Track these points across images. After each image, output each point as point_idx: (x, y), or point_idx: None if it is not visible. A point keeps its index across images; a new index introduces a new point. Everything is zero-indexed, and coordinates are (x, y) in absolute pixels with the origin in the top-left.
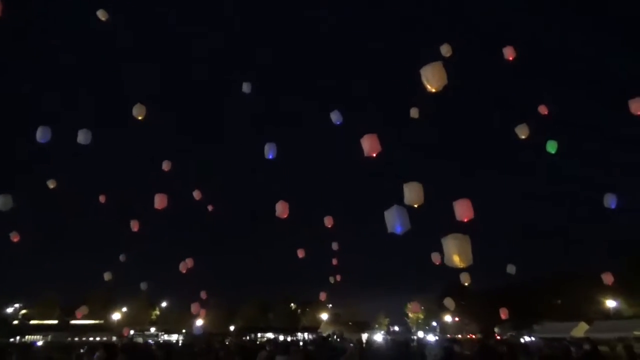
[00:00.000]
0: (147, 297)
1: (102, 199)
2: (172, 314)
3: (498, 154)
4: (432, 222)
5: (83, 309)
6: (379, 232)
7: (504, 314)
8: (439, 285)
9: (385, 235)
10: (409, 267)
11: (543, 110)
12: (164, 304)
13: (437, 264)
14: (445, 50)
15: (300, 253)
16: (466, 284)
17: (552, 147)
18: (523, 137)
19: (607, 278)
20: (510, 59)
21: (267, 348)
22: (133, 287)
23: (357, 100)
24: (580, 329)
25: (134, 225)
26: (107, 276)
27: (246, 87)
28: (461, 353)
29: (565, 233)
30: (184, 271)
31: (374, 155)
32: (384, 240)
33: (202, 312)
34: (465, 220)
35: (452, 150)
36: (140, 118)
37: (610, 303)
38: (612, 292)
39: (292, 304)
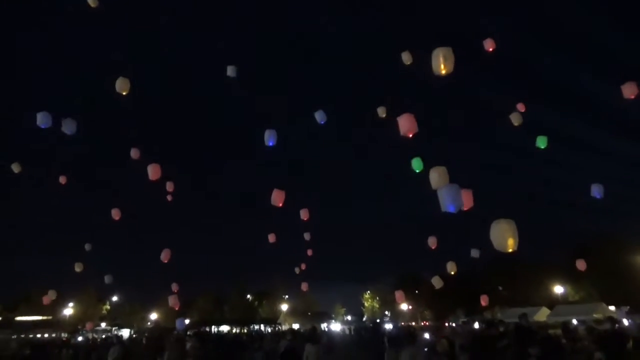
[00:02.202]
0: (97, 292)
1: (62, 180)
2: (124, 309)
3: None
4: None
5: (52, 294)
6: (336, 221)
7: (484, 300)
8: (391, 276)
9: (343, 225)
10: (364, 258)
11: (521, 107)
12: (114, 299)
13: (433, 248)
14: (406, 58)
15: (272, 238)
16: (452, 273)
17: (542, 142)
18: (516, 124)
19: (580, 264)
20: (490, 50)
21: (288, 338)
22: (83, 281)
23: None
24: (543, 314)
25: (115, 214)
26: (77, 267)
27: (231, 71)
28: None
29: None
30: (166, 261)
31: (410, 135)
32: (341, 230)
33: (177, 304)
34: (466, 209)
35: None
36: (124, 93)
37: (558, 289)
38: (561, 279)
39: (248, 295)
